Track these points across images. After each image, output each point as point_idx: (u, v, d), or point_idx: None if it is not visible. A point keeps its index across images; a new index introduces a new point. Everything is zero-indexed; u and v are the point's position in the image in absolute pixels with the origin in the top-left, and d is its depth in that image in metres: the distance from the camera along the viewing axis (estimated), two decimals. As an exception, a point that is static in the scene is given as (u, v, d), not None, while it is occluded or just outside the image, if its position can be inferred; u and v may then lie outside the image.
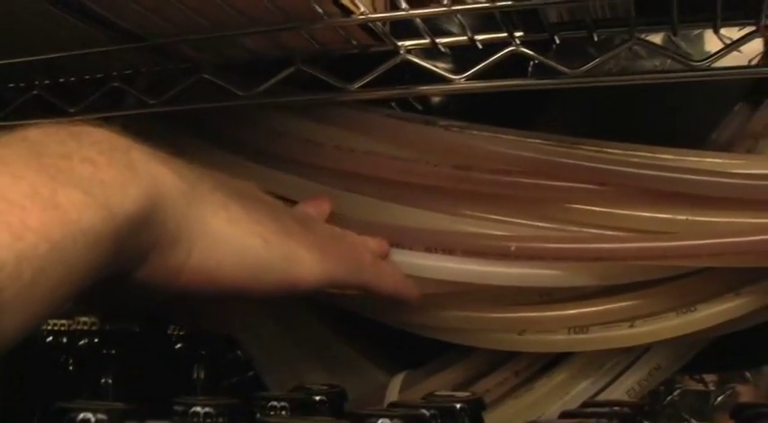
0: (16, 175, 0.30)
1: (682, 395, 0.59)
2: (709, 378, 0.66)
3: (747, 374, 0.66)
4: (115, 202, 0.32)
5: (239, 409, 0.39)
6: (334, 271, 0.44)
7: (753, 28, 0.51)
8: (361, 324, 0.61)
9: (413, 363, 0.63)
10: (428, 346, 0.60)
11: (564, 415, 0.42)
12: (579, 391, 0.56)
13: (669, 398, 0.59)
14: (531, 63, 0.55)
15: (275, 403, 0.42)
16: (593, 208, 0.53)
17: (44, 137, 0.33)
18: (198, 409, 0.38)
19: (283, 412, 0.41)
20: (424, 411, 0.38)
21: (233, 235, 0.37)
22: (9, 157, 0.31)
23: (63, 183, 0.30)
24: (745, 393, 0.66)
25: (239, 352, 0.64)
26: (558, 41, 0.54)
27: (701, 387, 0.63)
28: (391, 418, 0.36)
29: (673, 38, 0.65)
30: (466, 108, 0.63)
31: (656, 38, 0.62)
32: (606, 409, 0.41)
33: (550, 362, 0.58)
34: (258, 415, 0.40)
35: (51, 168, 0.31)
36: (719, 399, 0.65)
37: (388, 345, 0.64)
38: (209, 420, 0.38)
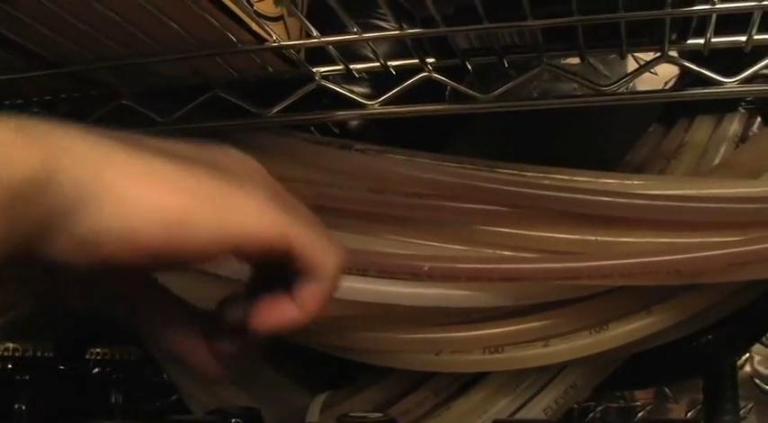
0: None
1: (603, 412, 0.60)
2: (632, 395, 0.68)
3: (668, 390, 0.67)
4: (2, 168, 0.30)
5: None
6: (296, 233, 0.37)
7: (659, 53, 0.52)
8: (285, 345, 0.61)
9: (337, 383, 0.63)
10: (352, 366, 0.60)
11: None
12: (497, 410, 0.57)
13: (591, 415, 0.60)
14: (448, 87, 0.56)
15: (188, 427, 0.42)
16: (506, 229, 0.54)
17: None
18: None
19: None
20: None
21: (150, 194, 0.34)
22: None
23: None
24: (666, 409, 0.67)
25: (165, 375, 0.64)
26: (470, 67, 0.55)
27: (622, 403, 0.64)
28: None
29: (591, 61, 0.67)
30: (386, 132, 0.64)
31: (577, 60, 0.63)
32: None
33: (470, 381, 0.59)
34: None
35: None
36: (640, 415, 0.66)
37: (312, 365, 0.64)
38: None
